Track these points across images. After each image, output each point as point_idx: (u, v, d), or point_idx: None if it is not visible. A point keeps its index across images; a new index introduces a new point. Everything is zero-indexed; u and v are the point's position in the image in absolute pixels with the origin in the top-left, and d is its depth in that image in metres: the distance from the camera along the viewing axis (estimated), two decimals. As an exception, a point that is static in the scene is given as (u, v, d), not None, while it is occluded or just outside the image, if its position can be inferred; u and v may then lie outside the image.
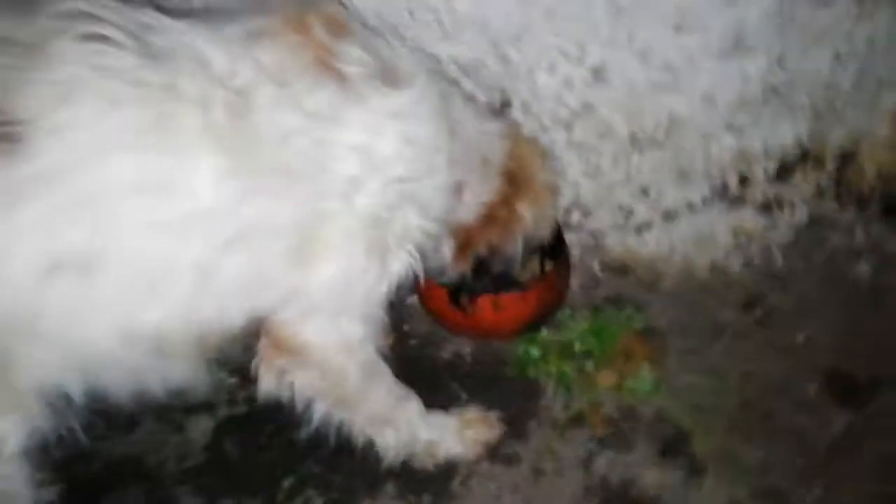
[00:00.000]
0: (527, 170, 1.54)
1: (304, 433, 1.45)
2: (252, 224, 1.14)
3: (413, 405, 1.53)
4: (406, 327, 1.86)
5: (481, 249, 1.56)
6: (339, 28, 1.23)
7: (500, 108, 1.73)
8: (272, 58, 1.15)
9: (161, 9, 1.10)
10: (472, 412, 1.62)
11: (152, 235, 1.08)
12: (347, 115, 1.20)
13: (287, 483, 1.57)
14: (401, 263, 1.34)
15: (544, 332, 1.81)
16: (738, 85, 1.67)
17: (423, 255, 1.40)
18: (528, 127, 1.75)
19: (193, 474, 1.60)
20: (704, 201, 1.89)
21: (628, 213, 1.92)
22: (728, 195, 1.88)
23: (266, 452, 1.63)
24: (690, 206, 1.90)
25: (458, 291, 1.67)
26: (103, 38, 1.03)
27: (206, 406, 1.70)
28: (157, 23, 1.09)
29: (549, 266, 1.77)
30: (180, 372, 1.24)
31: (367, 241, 1.27)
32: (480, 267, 1.59)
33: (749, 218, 1.91)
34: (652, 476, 1.56)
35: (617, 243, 1.96)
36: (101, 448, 1.58)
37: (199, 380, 1.29)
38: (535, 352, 1.78)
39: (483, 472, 1.58)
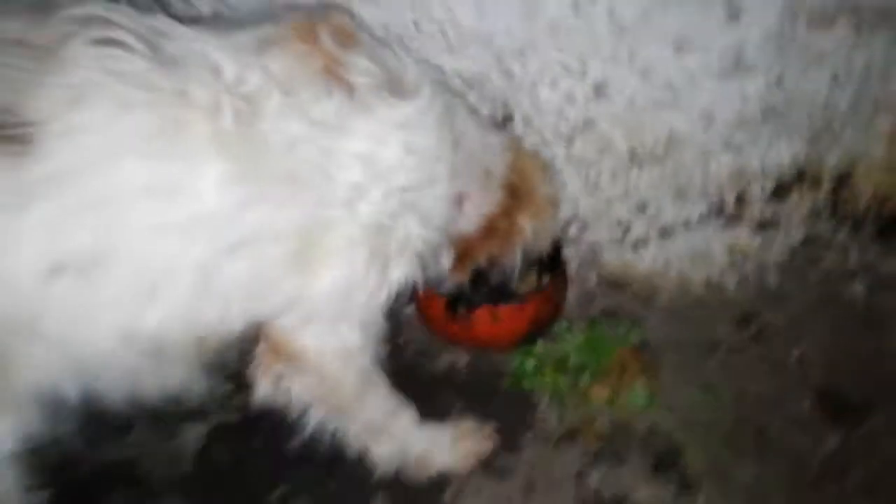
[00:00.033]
0: (528, 183, 1.55)
1: (295, 443, 1.45)
2: (255, 229, 1.15)
3: (407, 415, 1.52)
4: (402, 337, 1.86)
5: (481, 261, 1.56)
6: (347, 38, 1.24)
7: (503, 122, 1.74)
8: (281, 66, 1.16)
9: (173, 15, 1.11)
10: (466, 424, 1.62)
11: (157, 238, 1.09)
12: (353, 124, 1.20)
13: (277, 492, 1.56)
14: (401, 272, 1.35)
15: (540, 345, 1.81)
16: (738, 104, 1.69)
17: (423, 265, 1.41)
18: (530, 140, 1.76)
19: (184, 481, 1.59)
20: (701, 218, 1.90)
21: (626, 227, 1.93)
22: (725, 213, 1.89)
23: (257, 461, 1.62)
24: (687, 223, 1.91)
25: (456, 302, 1.68)
26: (116, 43, 1.04)
27: (199, 413, 1.69)
28: (170, 29, 1.11)
29: (546, 279, 1.78)
30: (177, 376, 1.24)
31: (368, 249, 1.27)
32: (479, 278, 1.60)
33: (745, 236, 1.93)
34: (644, 491, 1.55)
35: (614, 258, 1.97)
36: (91, 453, 1.56)
37: (196, 385, 1.28)
38: (530, 364, 1.78)
39: (476, 484, 1.57)
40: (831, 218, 1.91)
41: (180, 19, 1.13)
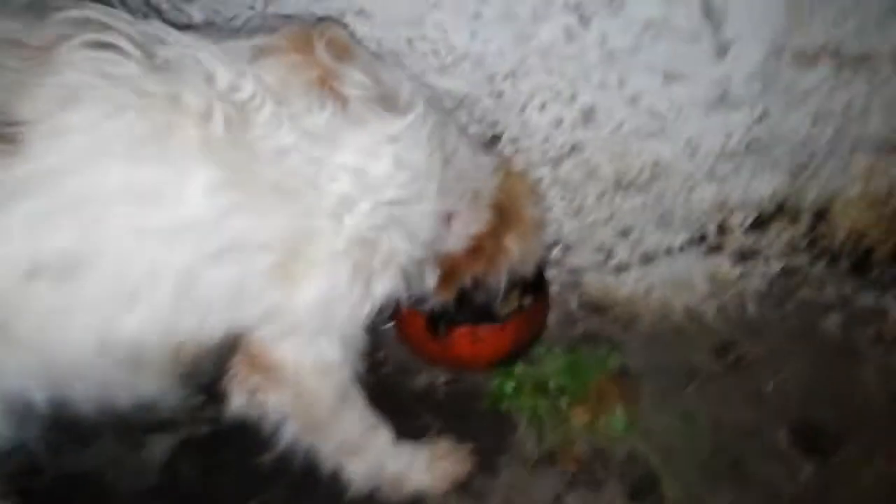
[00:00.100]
0: (516, 204, 1.56)
1: (267, 458, 1.41)
2: (240, 237, 1.14)
3: (383, 434, 1.50)
4: (381, 354, 1.84)
5: (466, 280, 1.56)
6: (341, 50, 1.24)
7: (490, 142, 1.75)
8: (274, 75, 1.16)
9: (168, 21, 1.11)
10: (443, 444, 1.60)
11: (139, 242, 1.07)
12: (344, 136, 1.20)
13: (247, 509, 1.52)
14: (384, 287, 1.34)
15: (519, 367, 1.80)
16: (722, 136, 1.73)
17: (408, 281, 1.40)
18: (516, 163, 1.77)
19: (150, 493, 1.54)
20: (682, 246, 1.93)
21: (609, 252, 1.94)
22: (706, 242, 1.92)
23: (227, 475, 1.58)
24: (669, 251, 1.93)
25: (437, 320, 1.66)
26: (110, 47, 1.04)
27: (169, 423, 1.65)
28: (165, 34, 1.10)
29: (528, 300, 1.78)
30: (151, 385, 1.21)
31: (352, 262, 1.26)
32: (463, 297, 1.59)
33: (724, 265, 1.96)
34: (621, 518, 1.55)
35: (596, 282, 1.98)
36: (55, 462, 1.50)
37: (169, 394, 1.25)
38: (509, 386, 1.77)
39: (451, 506, 1.55)
40: (809, 251, 1.95)
41: (177, 25, 1.12)
